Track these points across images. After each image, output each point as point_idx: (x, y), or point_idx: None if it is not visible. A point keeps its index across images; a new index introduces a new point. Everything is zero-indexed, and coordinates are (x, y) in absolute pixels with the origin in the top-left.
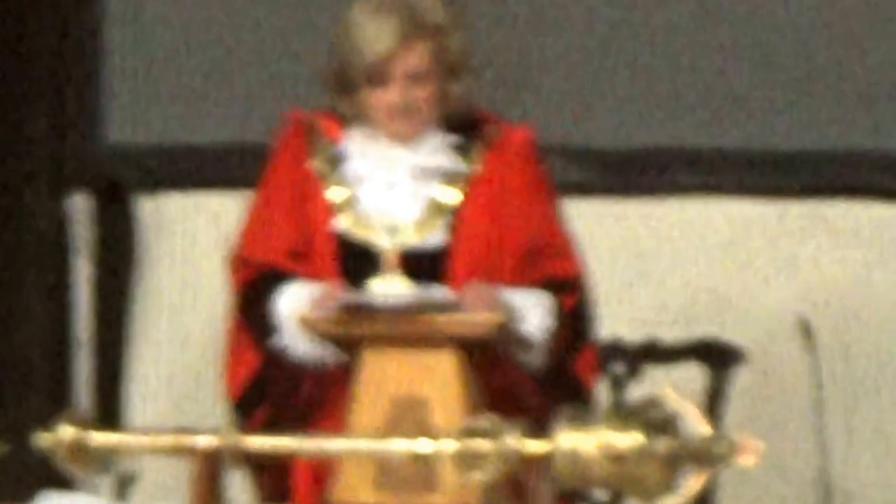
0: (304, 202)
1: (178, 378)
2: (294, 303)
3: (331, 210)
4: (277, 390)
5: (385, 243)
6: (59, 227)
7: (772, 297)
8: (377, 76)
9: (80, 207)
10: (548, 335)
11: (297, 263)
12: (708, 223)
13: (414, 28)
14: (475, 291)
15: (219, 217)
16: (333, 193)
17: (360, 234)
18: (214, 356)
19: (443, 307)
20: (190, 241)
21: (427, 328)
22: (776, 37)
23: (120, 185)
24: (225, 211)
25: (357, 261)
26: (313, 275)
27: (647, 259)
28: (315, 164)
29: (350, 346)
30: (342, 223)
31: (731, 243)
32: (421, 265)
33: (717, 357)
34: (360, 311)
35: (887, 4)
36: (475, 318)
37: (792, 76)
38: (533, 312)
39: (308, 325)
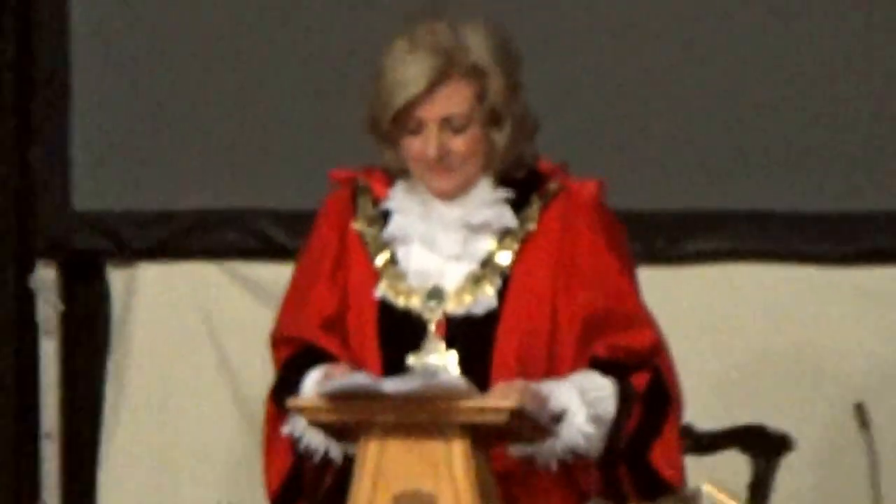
0: (346, 267)
1: (155, 466)
2: (311, 388)
3: (373, 276)
4: (309, 484)
5: (427, 311)
6: (25, 303)
7: (822, 378)
8: (409, 122)
9: (46, 281)
10: (590, 438)
11: (333, 335)
12: (742, 290)
13: (451, 68)
14: (504, 391)
15: (199, 289)
16: (376, 258)
17: (401, 300)
18: (196, 441)
19: (454, 393)
20: (168, 315)
21: (433, 414)
22: (808, 96)
23: (90, 255)
24: (206, 282)
25: (398, 329)
26: (354, 345)
27: (677, 334)
28: (359, 226)
29: (349, 435)
30: (381, 289)
31: (773, 313)
32: (467, 334)
33: (761, 445)
34: (362, 396)
35: None
36: (486, 404)
37: (827, 138)
38: (576, 412)
39: (300, 412)
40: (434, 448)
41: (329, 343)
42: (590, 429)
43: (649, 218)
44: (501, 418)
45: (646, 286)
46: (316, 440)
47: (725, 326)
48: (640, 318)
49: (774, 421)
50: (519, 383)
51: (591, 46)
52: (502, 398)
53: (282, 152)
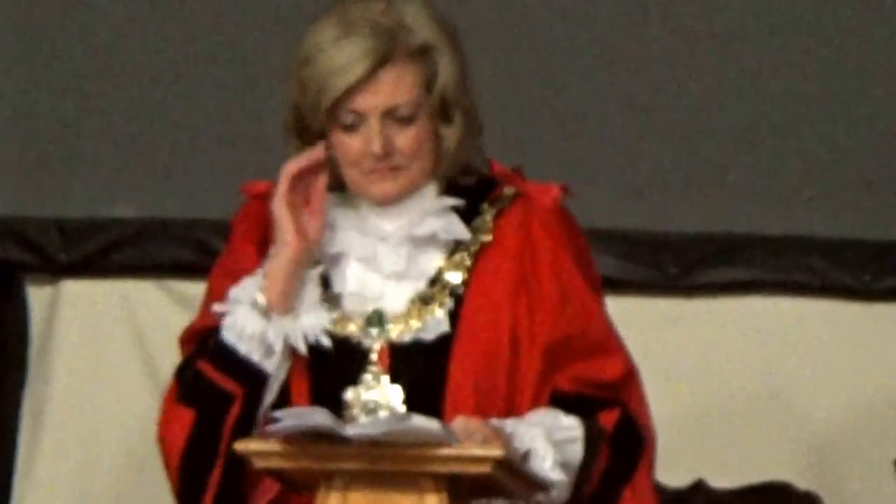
0: None
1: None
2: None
3: None
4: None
5: (367, 339)
6: None
7: (854, 428)
8: (343, 117)
9: None
10: (559, 486)
11: None
12: (765, 326)
13: (394, 50)
14: (463, 428)
15: (131, 308)
16: None
17: (336, 328)
18: (126, 477)
19: (430, 438)
20: (96, 337)
21: (404, 463)
22: (843, 109)
23: (7, 268)
24: (139, 300)
25: (333, 362)
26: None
27: (687, 374)
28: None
29: (305, 484)
30: None
31: (800, 353)
32: (415, 364)
33: None
34: (322, 439)
35: None
36: (468, 453)
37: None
38: (544, 456)
39: (251, 456)
40: (404, 502)
41: None
42: (558, 476)
43: (661, 241)
44: (484, 469)
45: (654, 319)
46: (251, 324)
47: (742, 367)
48: (609, 344)
49: (800, 478)
50: (475, 420)
51: (600, 57)
52: (463, 433)
53: (226, 155)
